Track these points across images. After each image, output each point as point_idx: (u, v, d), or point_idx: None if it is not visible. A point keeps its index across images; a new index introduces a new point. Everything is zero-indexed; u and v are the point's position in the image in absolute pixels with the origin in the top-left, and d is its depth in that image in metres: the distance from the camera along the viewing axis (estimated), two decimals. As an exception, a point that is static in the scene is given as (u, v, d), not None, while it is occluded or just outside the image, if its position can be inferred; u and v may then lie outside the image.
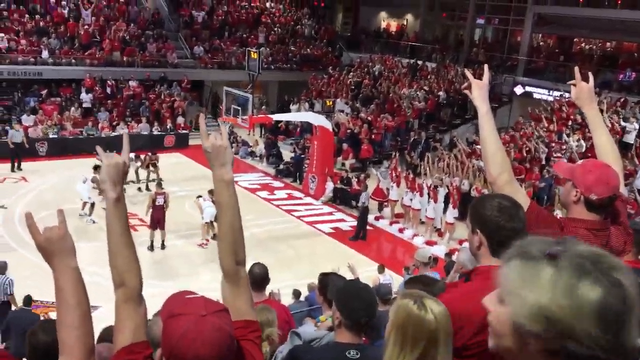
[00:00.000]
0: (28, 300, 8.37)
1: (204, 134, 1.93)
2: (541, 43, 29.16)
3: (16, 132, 18.20)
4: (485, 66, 2.57)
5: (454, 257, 11.20)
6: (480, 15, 29.50)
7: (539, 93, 24.74)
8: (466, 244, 2.53)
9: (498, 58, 27.84)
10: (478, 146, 19.56)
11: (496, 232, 1.96)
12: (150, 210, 13.13)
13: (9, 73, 22.15)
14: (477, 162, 17.68)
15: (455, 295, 2.00)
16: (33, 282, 8.90)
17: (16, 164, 18.07)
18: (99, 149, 1.93)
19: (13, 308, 8.98)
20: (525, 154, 17.68)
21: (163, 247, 13.44)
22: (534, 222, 2.16)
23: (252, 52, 22.82)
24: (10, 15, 23.50)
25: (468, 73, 2.52)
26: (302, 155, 19.93)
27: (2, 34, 22.27)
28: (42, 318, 7.86)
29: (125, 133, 1.95)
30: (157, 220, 13.16)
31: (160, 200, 13.18)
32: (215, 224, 13.20)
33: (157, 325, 1.66)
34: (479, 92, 2.41)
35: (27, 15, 23.83)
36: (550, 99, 23.36)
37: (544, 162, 17.19)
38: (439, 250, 13.54)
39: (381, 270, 11.13)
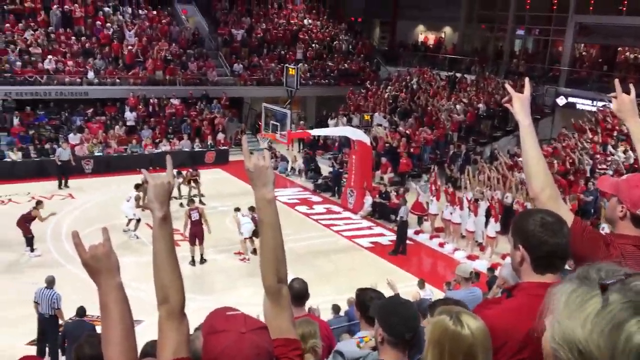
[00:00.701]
0: (82, 311, 8.63)
1: (246, 154, 1.97)
2: (583, 53, 28.55)
3: (63, 151, 18.81)
4: (526, 79, 2.54)
5: (496, 272, 11.00)
6: (520, 26, 29.13)
7: (582, 104, 24.19)
8: (509, 259, 2.48)
9: (539, 69, 27.41)
10: (520, 158, 19.20)
11: (539, 247, 1.92)
12: (189, 226, 13.34)
13: (56, 93, 22.97)
14: (519, 174, 17.36)
15: (497, 311, 1.97)
16: (78, 296, 9.10)
17: (63, 181, 18.65)
18: (144, 171, 1.98)
19: (60, 322, 9.22)
20: (568, 166, 17.28)
21: (202, 261, 13.62)
22: (578, 238, 2.11)
23: (290, 69, 23.06)
24: (58, 38, 24.39)
25: (509, 86, 2.49)
26: (341, 170, 19.97)
27: (50, 56, 23.13)
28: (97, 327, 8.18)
29: (168, 155, 2.00)
30: (196, 236, 13.38)
31: (195, 216, 13.38)
32: (255, 239, 13.34)
33: (199, 340, 1.69)
34: (520, 105, 2.37)
35: (73, 37, 24.69)
36: (594, 109, 22.81)
37: (588, 175, 16.77)
38: (481, 265, 13.32)
39: (421, 285, 11.03)
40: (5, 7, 24.31)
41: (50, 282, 9.28)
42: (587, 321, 0.93)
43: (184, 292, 1.83)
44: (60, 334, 8.83)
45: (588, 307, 0.95)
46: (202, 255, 13.61)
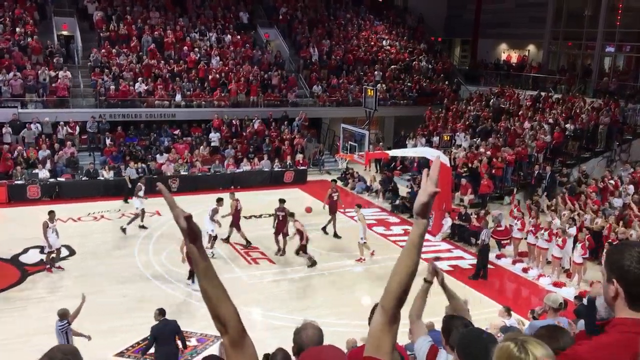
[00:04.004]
0: (163, 311, 9.17)
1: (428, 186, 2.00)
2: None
3: (130, 170, 19.73)
4: None
5: (584, 301, 10.43)
6: (610, 43, 27.86)
7: (680, 123, 22.71)
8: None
9: (631, 87, 26.03)
10: (610, 181, 18.25)
11: (635, 284, 1.81)
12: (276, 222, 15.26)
13: (146, 115, 24.21)
14: (612, 198, 16.54)
15: (588, 347, 1.87)
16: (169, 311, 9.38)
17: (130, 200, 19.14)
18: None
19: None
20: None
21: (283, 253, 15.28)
22: None
23: (368, 89, 23.15)
24: (148, 63, 25.67)
25: None
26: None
27: (141, 79, 24.42)
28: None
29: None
30: (279, 231, 15.23)
31: (281, 215, 15.08)
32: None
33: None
34: None
35: (162, 62, 25.97)
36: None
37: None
38: (568, 293, 12.69)
39: (507, 313, 10.47)
40: (101, 34, 26.00)
41: (63, 315, 8.98)
42: None
43: (240, 319, 1.87)
44: (149, 336, 9.08)
45: None
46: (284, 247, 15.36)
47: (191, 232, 1.79)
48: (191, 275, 12.86)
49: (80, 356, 2.45)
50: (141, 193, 17.11)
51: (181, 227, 1.78)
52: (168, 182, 20.82)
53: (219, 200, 15.27)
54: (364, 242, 15.18)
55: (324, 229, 17.02)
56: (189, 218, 1.79)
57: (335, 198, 17.04)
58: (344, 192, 21.90)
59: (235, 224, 15.84)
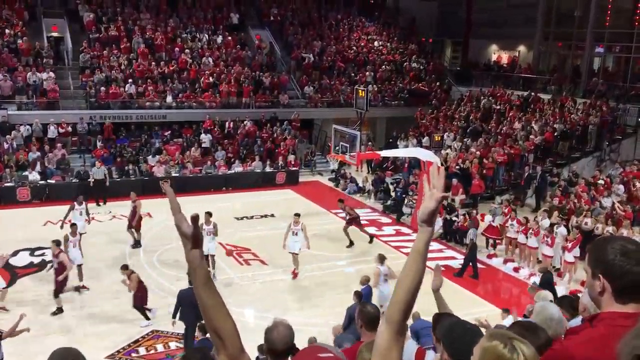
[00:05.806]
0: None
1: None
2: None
3: (97, 170, 19.54)
4: None
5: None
6: (599, 44, 28.04)
7: (669, 123, 22.89)
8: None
9: (620, 87, 26.21)
10: (600, 181, 18.38)
11: (621, 277, 1.82)
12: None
13: (137, 117, 24.11)
14: (600, 198, 16.65)
15: (576, 342, 1.88)
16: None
17: (101, 202, 19.22)
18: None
19: None
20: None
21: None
22: None
23: (359, 90, 23.15)
24: (139, 63, 25.54)
25: None
26: (404, 195, 19.76)
27: (131, 80, 24.31)
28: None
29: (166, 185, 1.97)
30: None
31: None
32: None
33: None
34: None
35: (153, 63, 25.86)
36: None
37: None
38: (559, 292, 12.73)
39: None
40: (90, 35, 25.84)
41: None
42: None
43: (239, 335, 1.84)
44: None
45: None
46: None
47: (195, 236, 1.75)
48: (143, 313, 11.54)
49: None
50: (73, 214, 14.78)
51: (184, 232, 1.74)
52: (159, 183, 20.71)
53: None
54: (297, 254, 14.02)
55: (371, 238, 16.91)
56: (195, 220, 1.73)
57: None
58: (334, 193, 21.93)
59: (136, 226, 15.23)
